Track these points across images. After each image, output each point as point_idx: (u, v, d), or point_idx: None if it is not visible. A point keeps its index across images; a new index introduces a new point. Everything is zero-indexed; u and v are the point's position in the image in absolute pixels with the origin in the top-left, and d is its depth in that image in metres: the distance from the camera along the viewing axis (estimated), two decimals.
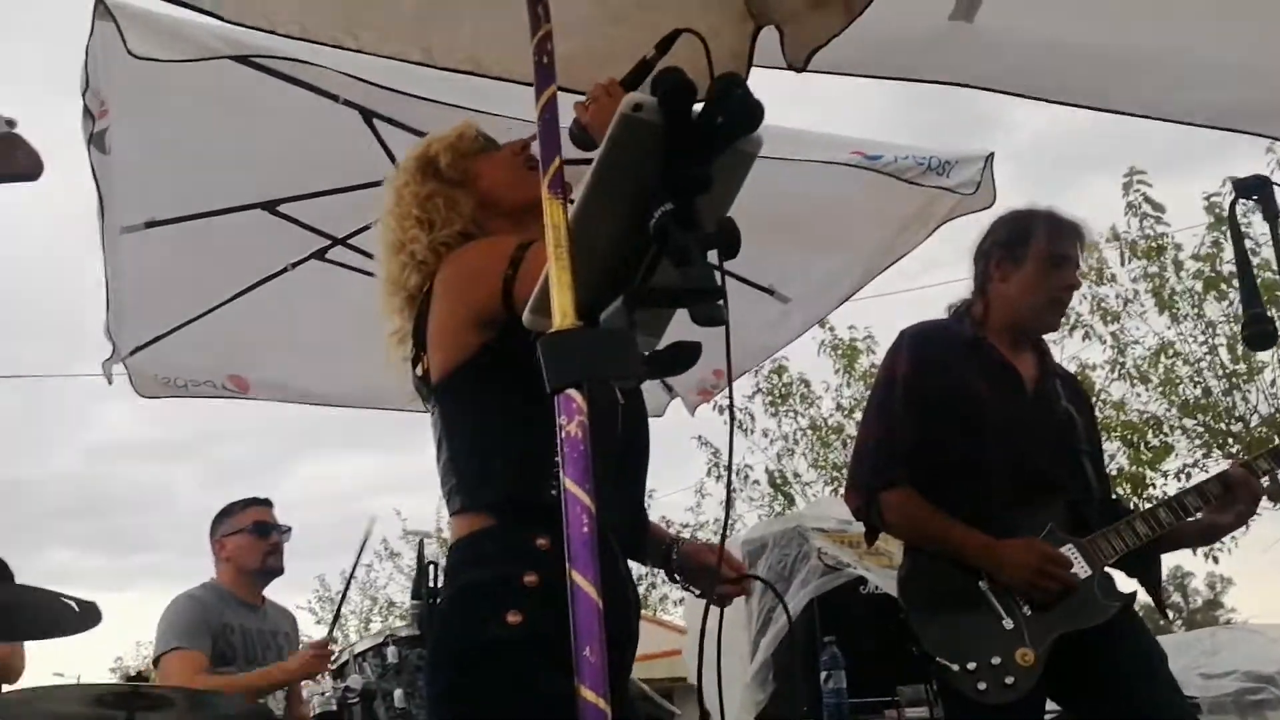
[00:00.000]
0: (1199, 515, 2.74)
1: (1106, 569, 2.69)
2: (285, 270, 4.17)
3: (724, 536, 1.94)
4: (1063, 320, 3.00)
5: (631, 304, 1.06)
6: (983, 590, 2.63)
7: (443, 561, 2.26)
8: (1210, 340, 10.62)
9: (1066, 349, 10.48)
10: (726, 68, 1.72)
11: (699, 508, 15.95)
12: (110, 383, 4.22)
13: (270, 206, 3.88)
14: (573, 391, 1.04)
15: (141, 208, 3.63)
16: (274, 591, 4.11)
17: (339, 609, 4.89)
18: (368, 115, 3.49)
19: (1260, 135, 2.95)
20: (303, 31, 2.13)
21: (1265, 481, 2.80)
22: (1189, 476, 10.44)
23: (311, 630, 21.17)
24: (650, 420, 2.16)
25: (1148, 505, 2.80)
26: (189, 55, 2.82)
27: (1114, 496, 3.06)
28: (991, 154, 3.79)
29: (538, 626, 1.61)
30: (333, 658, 3.19)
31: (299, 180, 3.82)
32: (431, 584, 2.69)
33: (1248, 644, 7.89)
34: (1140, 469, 10.71)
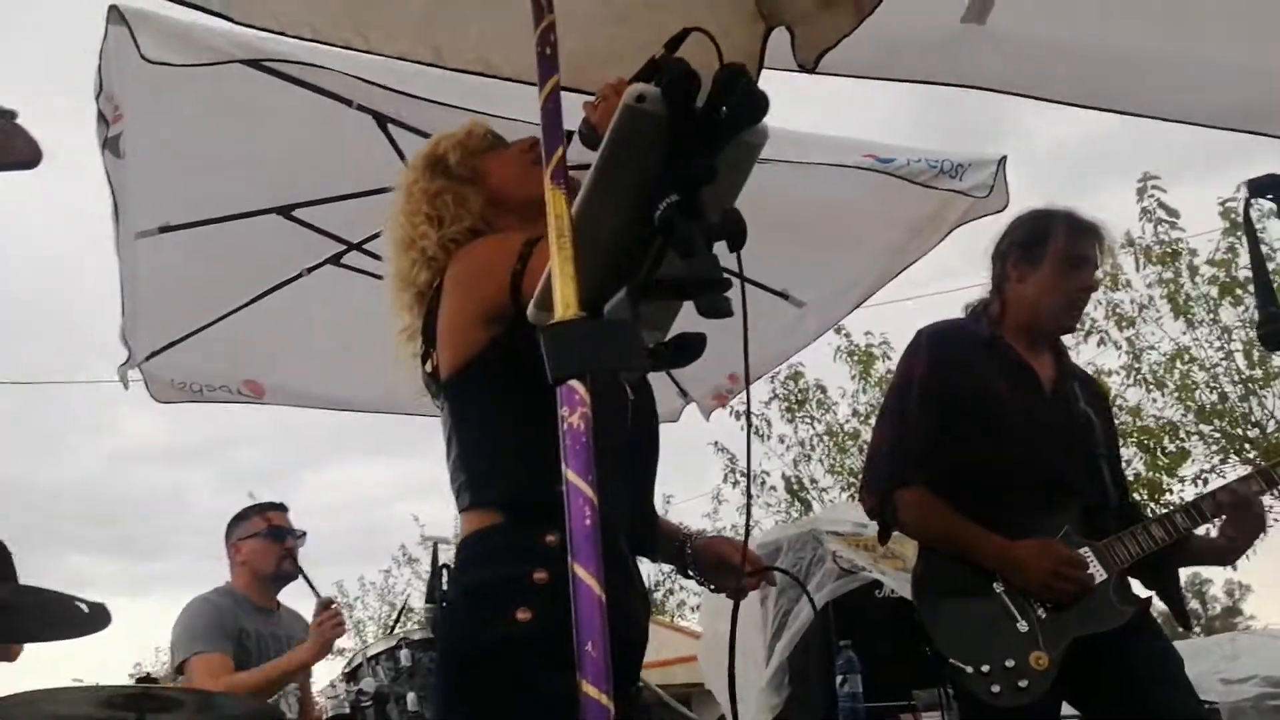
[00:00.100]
0: (1216, 523, 2.71)
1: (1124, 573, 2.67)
2: (300, 275, 4.18)
3: (747, 531, 1.92)
4: (1079, 323, 2.98)
5: (635, 296, 1.05)
6: (997, 592, 2.61)
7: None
8: (1226, 346, 10.54)
9: (1082, 355, 10.41)
10: None
11: (716, 514, 15.94)
12: (126, 388, 4.24)
13: (285, 211, 3.89)
14: (575, 382, 1.04)
15: (156, 212, 3.65)
16: (292, 597, 4.12)
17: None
18: (381, 120, 3.50)
19: (1275, 136, 2.93)
20: (312, 32, 2.14)
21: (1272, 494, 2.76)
22: (1206, 482, 10.37)
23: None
24: (666, 426, 2.16)
25: (1164, 510, 2.76)
26: (202, 59, 2.84)
27: (1131, 500, 3.02)
28: (1004, 157, 3.78)
29: (547, 624, 1.60)
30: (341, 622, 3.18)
31: (313, 185, 3.83)
32: (445, 587, 2.68)
33: (1268, 649, 7.80)
34: (1157, 475, 10.64)
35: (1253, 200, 2.10)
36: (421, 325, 1.98)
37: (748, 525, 1.80)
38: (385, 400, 4.85)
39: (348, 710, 2.71)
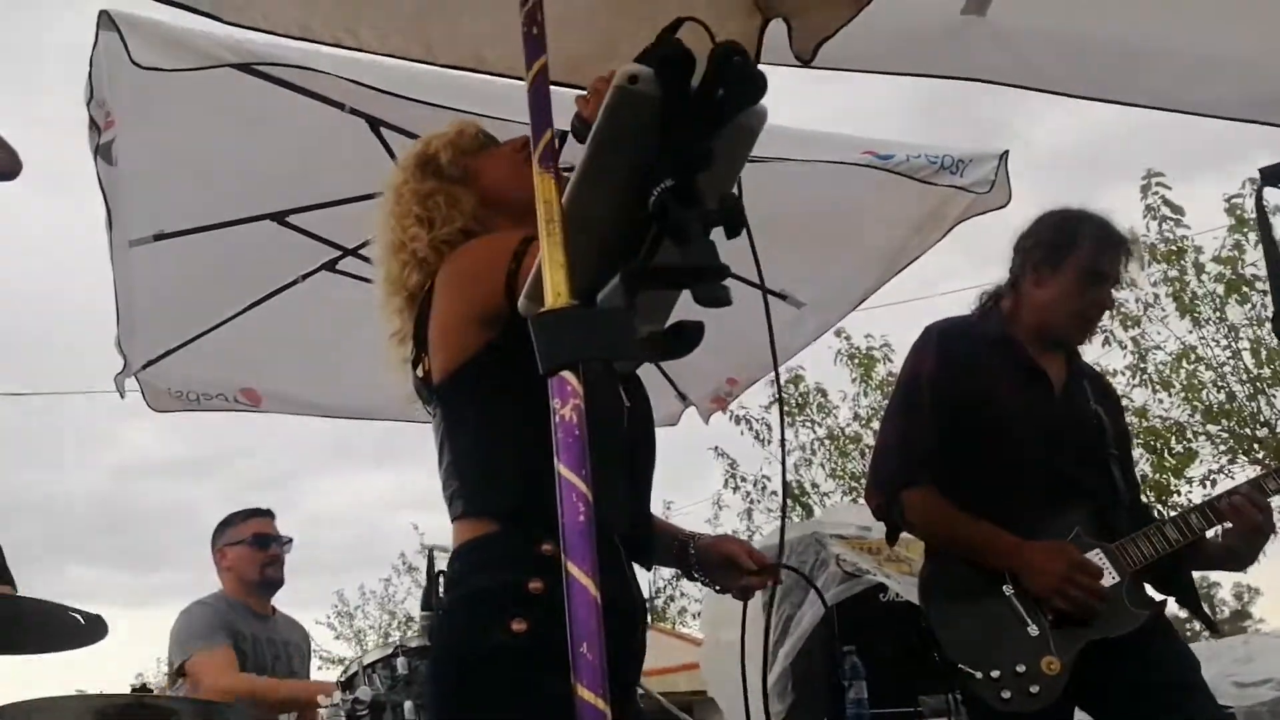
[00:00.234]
0: (1229, 525, 2.66)
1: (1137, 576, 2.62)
2: (296, 282, 4.16)
3: (783, 522, 1.88)
4: (1089, 339, 2.93)
5: (629, 284, 1.01)
6: (1007, 595, 2.57)
7: None
8: (1233, 344, 10.48)
9: (1087, 355, 10.22)
10: None
11: (717, 519, 15.88)
12: (123, 397, 4.21)
13: (279, 218, 3.87)
14: (567, 373, 1.00)
15: (150, 220, 3.62)
16: (293, 607, 4.10)
17: None
18: (375, 124, 3.47)
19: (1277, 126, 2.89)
20: (302, 31, 2.11)
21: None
22: (1214, 483, 10.30)
23: (329, 645, 21.19)
24: (664, 431, 2.12)
25: (1174, 513, 2.72)
26: (193, 64, 2.81)
27: (1143, 502, 2.97)
28: (1006, 152, 3.74)
29: (543, 634, 1.55)
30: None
31: (308, 191, 3.81)
32: (441, 595, 2.63)
33: None
34: (1164, 476, 10.57)
35: (1265, 189, 2.05)
36: (413, 329, 1.93)
37: (783, 515, 1.76)
38: (383, 407, 4.82)
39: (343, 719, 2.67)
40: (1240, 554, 2.68)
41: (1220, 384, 10.58)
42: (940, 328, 2.86)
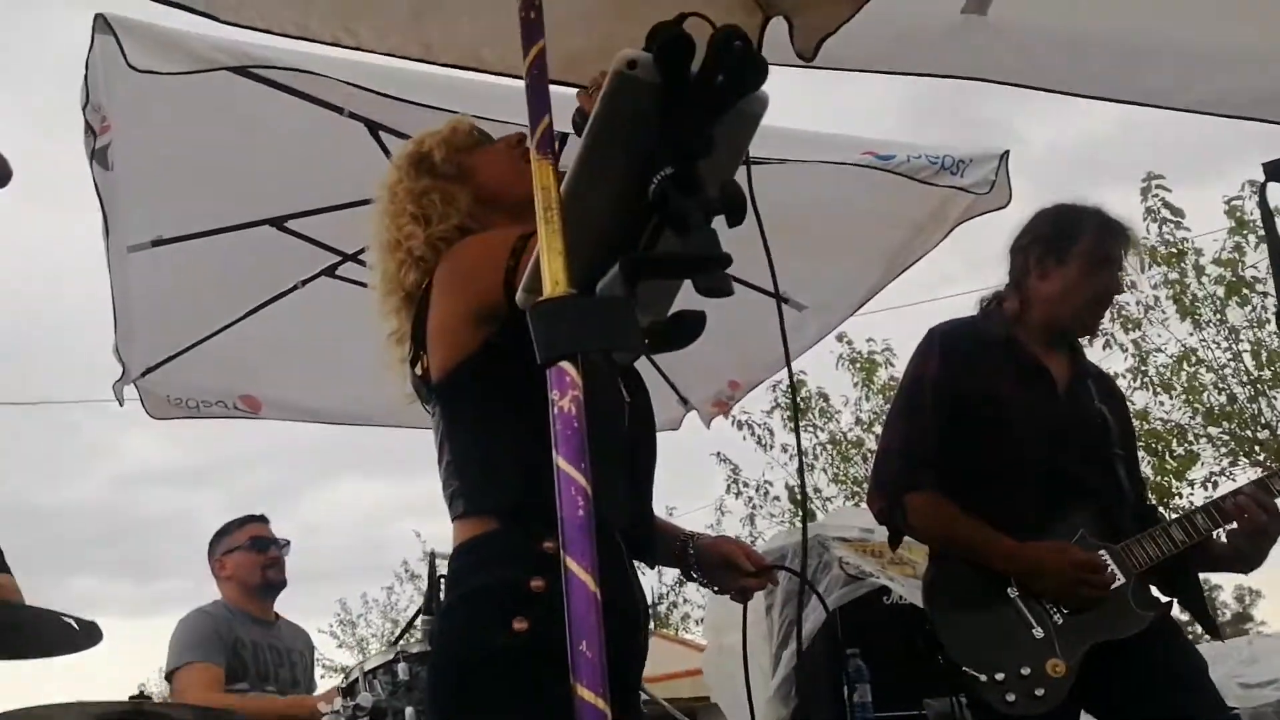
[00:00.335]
0: (1235, 526, 2.63)
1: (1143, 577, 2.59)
2: (296, 288, 4.14)
3: (804, 525, 1.86)
4: (1099, 328, 2.91)
5: (629, 274, 0.99)
6: (1012, 597, 2.55)
7: None
8: (1234, 346, 10.47)
9: (1088, 358, 10.33)
10: None
11: (719, 525, 15.84)
12: (122, 404, 4.19)
13: (278, 223, 3.86)
14: (565, 364, 0.97)
15: (148, 226, 3.61)
16: (296, 615, 4.08)
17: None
18: (373, 127, 3.46)
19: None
20: (300, 30, 2.09)
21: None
22: (1215, 486, 10.29)
23: (332, 654, 21.16)
24: (666, 436, 2.10)
25: (1175, 515, 2.69)
26: (189, 67, 2.79)
27: (1148, 503, 2.95)
28: (1006, 152, 3.73)
29: (545, 633, 1.53)
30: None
31: (306, 195, 3.79)
32: (443, 599, 2.62)
33: None
34: (1165, 479, 10.55)
35: (1270, 184, 2.03)
36: (411, 328, 1.91)
37: (804, 507, 1.74)
38: (383, 413, 4.79)
39: None
40: (1246, 554, 2.66)
41: (1221, 386, 10.57)
42: (943, 329, 2.84)
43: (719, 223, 1.00)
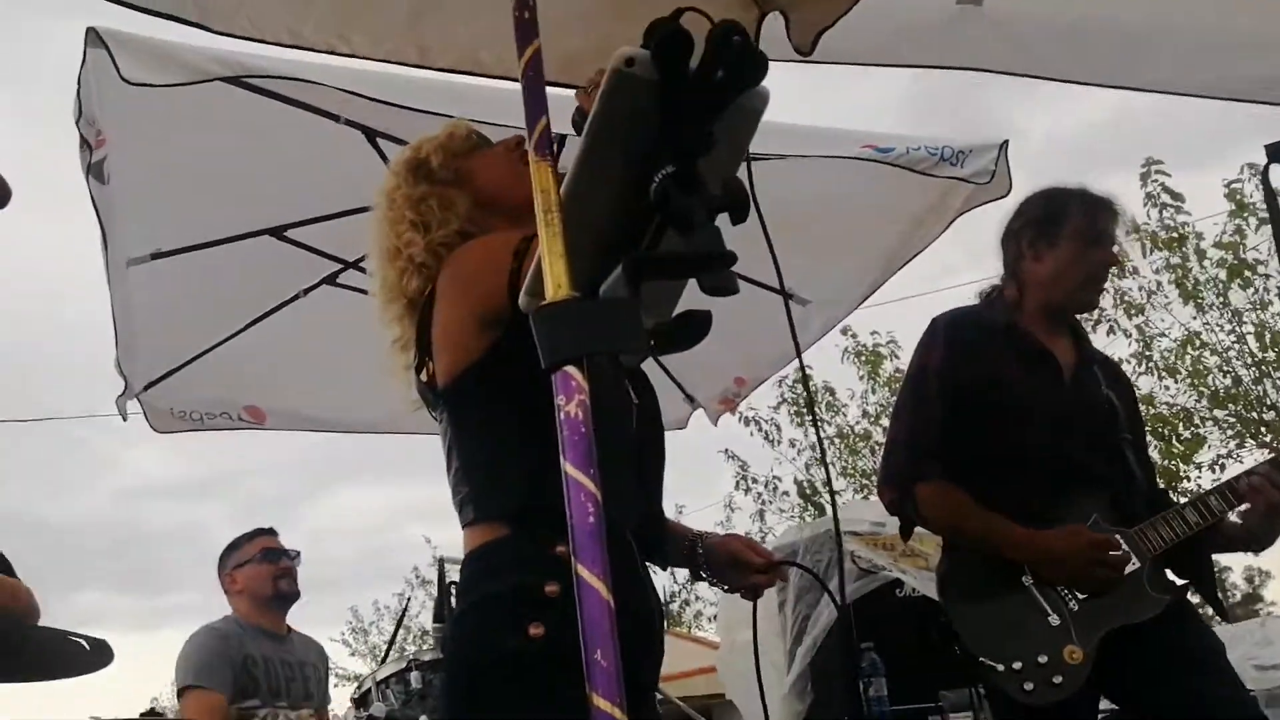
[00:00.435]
0: (1248, 506, 2.62)
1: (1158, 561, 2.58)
2: (297, 297, 4.13)
3: (833, 502, 1.84)
4: (1099, 303, 2.90)
5: (632, 274, 0.97)
6: (1026, 586, 2.53)
7: None
8: (1237, 329, 10.46)
9: (1092, 344, 10.30)
10: None
11: (729, 522, 15.83)
12: (125, 419, 4.18)
13: (277, 232, 3.84)
14: (570, 368, 0.96)
15: (146, 239, 3.60)
16: (308, 625, 4.07)
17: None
18: (371, 135, 3.45)
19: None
20: (293, 38, 2.08)
21: None
22: (1223, 468, 10.28)
23: (345, 663, 21.17)
24: (673, 435, 2.09)
25: (1186, 499, 2.68)
26: (183, 79, 2.78)
27: (1159, 487, 2.93)
28: (1005, 142, 3.70)
29: (561, 639, 1.51)
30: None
31: (305, 205, 3.78)
32: (454, 606, 2.61)
33: None
34: (1173, 463, 10.54)
35: (1272, 166, 2.02)
36: (415, 334, 1.90)
37: (833, 498, 1.72)
38: (388, 420, 4.79)
39: None
40: (1259, 535, 2.64)
41: (1225, 369, 10.56)
42: (946, 319, 2.83)
43: (722, 221, 0.98)
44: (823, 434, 13.50)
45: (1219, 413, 10.61)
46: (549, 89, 1.27)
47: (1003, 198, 3.73)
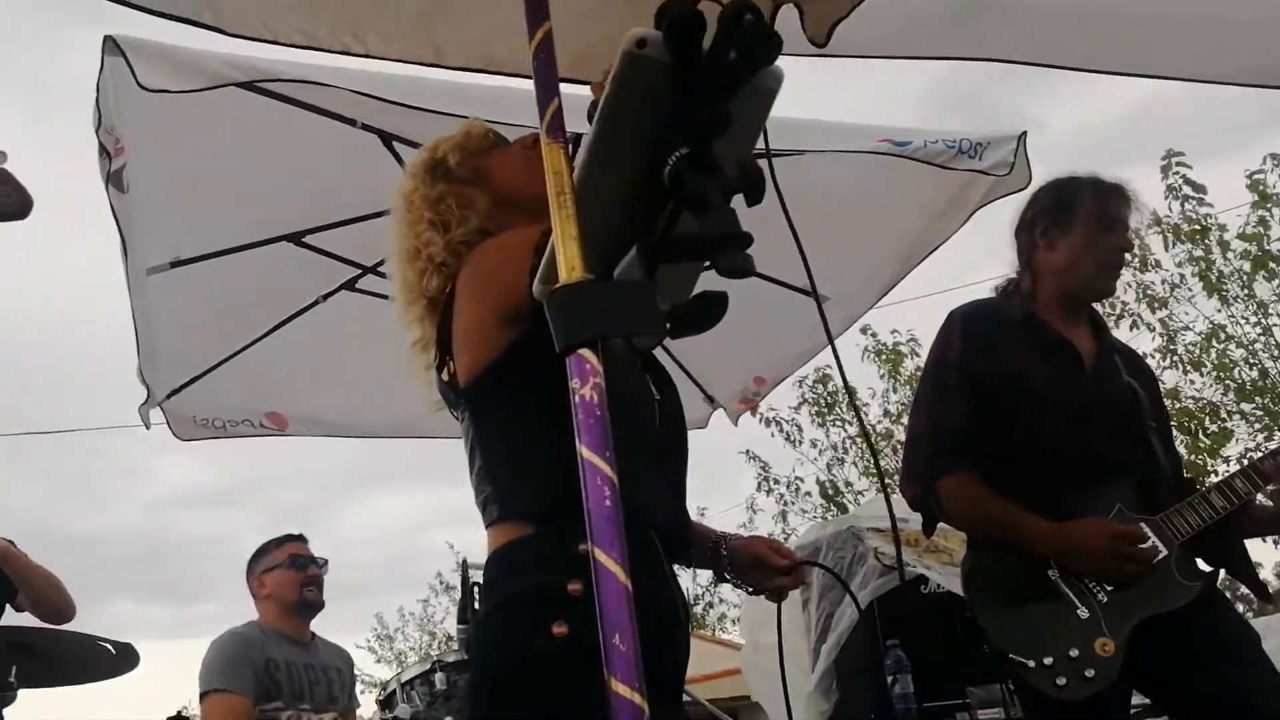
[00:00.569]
0: (1275, 487, 2.59)
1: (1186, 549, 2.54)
2: (316, 303, 4.15)
3: (881, 481, 1.82)
4: (1114, 289, 2.87)
5: (647, 258, 0.96)
6: (1053, 579, 2.51)
7: None
8: (1263, 320, 10.34)
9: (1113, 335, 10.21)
10: None
11: (751, 524, 15.78)
12: (148, 427, 4.20)
13: (296, 238, 3.85)
14: (585, 351, 0.95)
15: (166, 247, 3.62)
16: (333, 632, 4.08)
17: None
18: (387, 138, 3.45)
19: None
20: (307, 39, 2.08)
21: None
22: (1250, 461, 10.12)
23: (371, 669, 21.24)
24: (694, 436, 2.07)
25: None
26: (200, 85, 2.79)
27: (1186, 475, 2.90)
28: (1024, 133, 3.68)
29: (584, 637, 1.50)
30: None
31: (323, 210, 3.79)
32: (478, 607, 2.60)
33: None
34: (1200, 458, 10.42)
35: None
36: (436, 334, 1.89)
37: (880, 479, 1.71)
38: (410, 425, 4.80)
39: None
40: None
41: (1252, 361, 10.44)
42: (963, 312, 2.82)
43: (738, 204, 0.97)
44: (845, 434, 13.45)
45: (1246, 406, 10.49)
46: (565, 85, 1.26)
47: (1022, 189, 3.70)
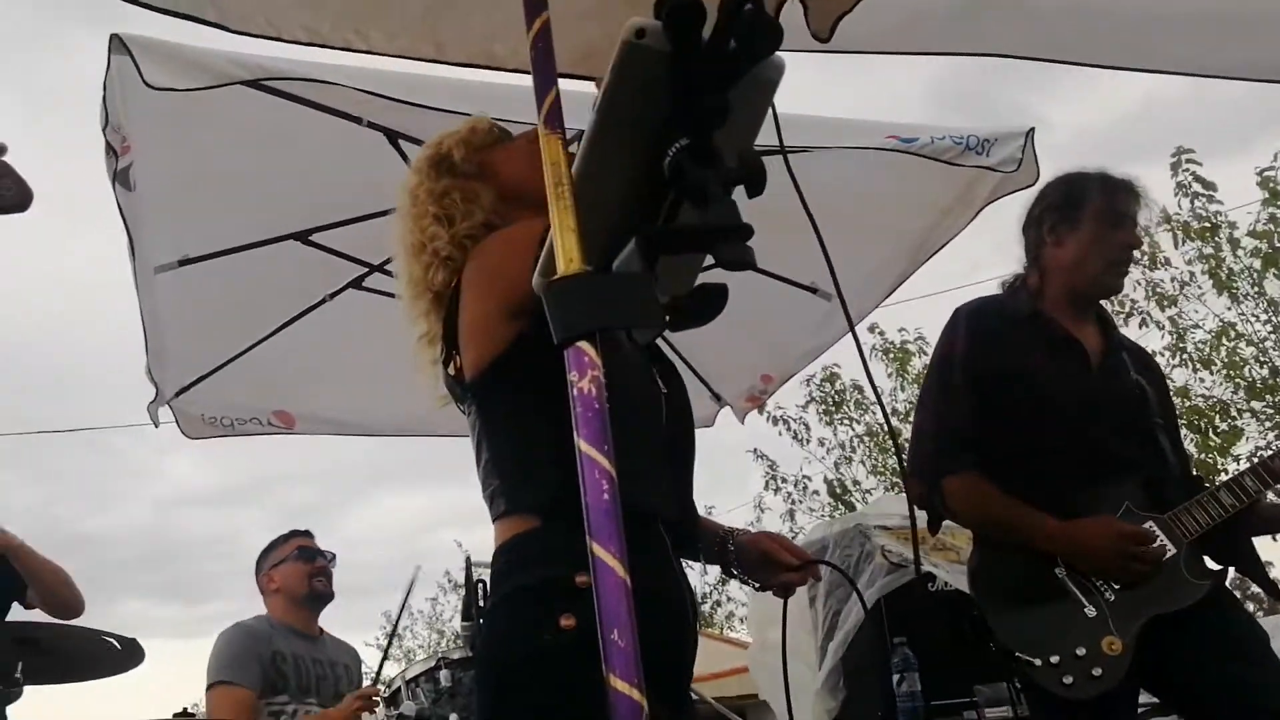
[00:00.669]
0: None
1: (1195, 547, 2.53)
2: (324, 301, 4.15)
3: (902, 470, 1.81)
4: (1122, 286, 2.85)
5: (647, 249, 0.95)
6: (1060, 578, 2.49)
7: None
8: (1273, 319, 10.30)
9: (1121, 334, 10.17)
10: None
11: (759, 522, 15.78)
12: (156, 426, 4.21)
13: (303, 237, 3.85)
14: (583, 344, 0.94)
15: (173, 245, 3.62)
16: (342, 630, 4.09)
17: (386, 652, 4.87)
18: (392, 136, 3.45)
19: None
20: (310, 35, 2.08)
21: None
22: (1260, 459, 10.06)
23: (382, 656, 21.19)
24: (702, 434, 2.06)
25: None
26: (206, 83, 2.79)
27: (1194, 474, 2.88)
28: (1032, 129, 3.67)
29: (593, 630, 1.49)
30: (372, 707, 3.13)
31: (330, 208, 3.80)
32: (482, 604, 2.61)
33: None
34: (1210, 456, 10.38)
35: None
36: (443, 328, 1.89)
37: (904, 472, 1.70)
38: (417, 423, 4.80)
39: None
40: None
41: (1262, 359, 10.40)
42: (968, 309, 2.80)
43: (739, 196, 0.96)
44: (852, 432, 13.45)
45: (1256, 404, 10.45)
46: (569, 83, 1.26)
47: (1030, 186, 3.68)
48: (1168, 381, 3.01)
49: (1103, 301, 2.84)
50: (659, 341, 1.99)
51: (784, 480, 14.50)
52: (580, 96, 1.68)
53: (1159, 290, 10.55)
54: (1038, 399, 2.61)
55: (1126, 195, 2.72)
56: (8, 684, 2.78)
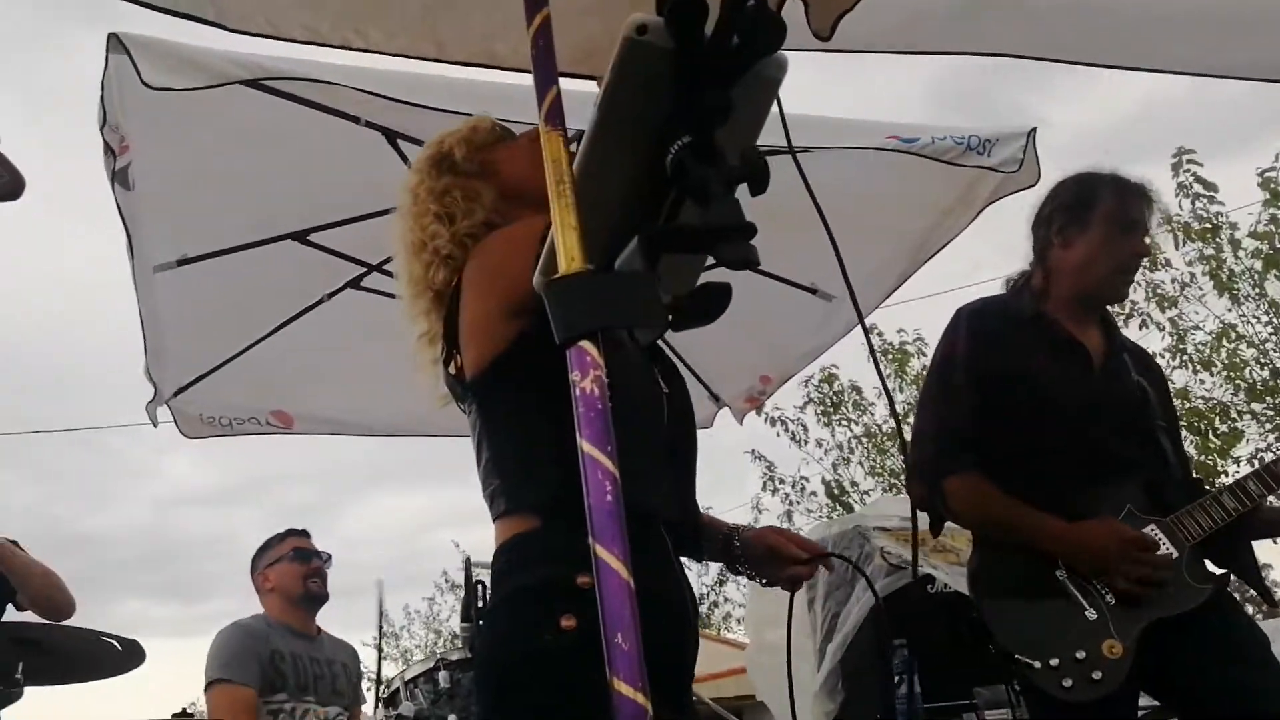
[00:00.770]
0: None
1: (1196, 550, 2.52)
2: (322, 301, 4.14)
3: (902, 441, 1.80)
4: (1129, 294, 2.84)
5: (649, 249, 0.94)
6: (1061, 580, 2.48)
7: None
8: (1274, 320, 10.28)
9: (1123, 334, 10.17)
10: None
11: (757, 523, 15.76)
12: (155, 425, 4.20)
13: (301, 237, 3.85)
14: (585, 343, 0.93)
15: (172, 245, 3.62)
16: (340, 630, 4.09)
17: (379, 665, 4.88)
18: (391, 136, 3.44)
19: None
20: (309, 34, 2.07)
21: None
22: (1262, 463, 10.05)
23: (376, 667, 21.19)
24: (700, 435, 2.06)
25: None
26: (204, 83, 2.78)
27: (1195, 476, 2.87)
28: (1034, 129, 3.66)
29: (594, 630, 1.48)
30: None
31: (328, 208, 3.79)
32: (481, 604, 2.60)
33: None
34: (1210, 458, 10.36)
35: None
36: (443, 327, 1.88)
37: (901, 437, 1.69)
38: (416, 423, 4.80)
39: None
40: None
41: (1263, 361, 10.39)
42: (970, 309, 2.79)
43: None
44: (850, 433, 13.44)
45: (1256, 406, 10.43)
46: (570, 83, 1.25)
47: (1031, 186, 3.67)
48: (1167, 380, 3.00)
49: (1107, 306, 2.83)
50: (659, 341, 1.99)
51: (782, 481, 14.50)
52: (581, 96, 1.68)
53: (1159, 291, 10.54)
54: (1039, 400, 2.59)
55: (1139, 200, 2.69)
56: (8, 684, 2.77)
